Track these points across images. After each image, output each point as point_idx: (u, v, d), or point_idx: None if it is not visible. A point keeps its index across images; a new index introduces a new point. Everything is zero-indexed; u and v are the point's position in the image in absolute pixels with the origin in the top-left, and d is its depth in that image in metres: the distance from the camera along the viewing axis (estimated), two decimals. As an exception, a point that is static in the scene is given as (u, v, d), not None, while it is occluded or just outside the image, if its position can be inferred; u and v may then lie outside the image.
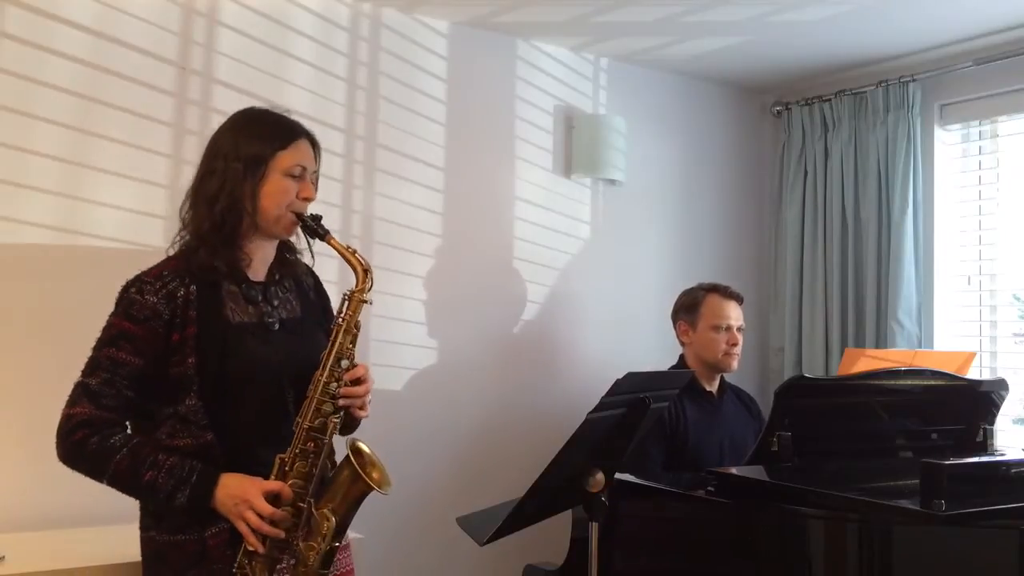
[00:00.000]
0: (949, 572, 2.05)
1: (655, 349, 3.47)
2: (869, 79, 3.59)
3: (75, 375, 2.36)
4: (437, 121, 3.24)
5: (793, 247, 3.81)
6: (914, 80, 3.45)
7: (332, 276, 2.55)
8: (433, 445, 3.15)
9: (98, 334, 1.77)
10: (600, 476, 1.97)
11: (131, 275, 1.77)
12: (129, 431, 1.76)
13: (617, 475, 2.23)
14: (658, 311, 3.37)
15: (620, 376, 1.93)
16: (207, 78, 2.79)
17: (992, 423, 2.66)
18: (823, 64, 3.65)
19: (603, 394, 1.91)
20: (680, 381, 2.49)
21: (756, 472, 2.47)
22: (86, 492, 2.51)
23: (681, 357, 3.13)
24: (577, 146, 3.49)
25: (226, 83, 2.82)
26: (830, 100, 3.71)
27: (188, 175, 2.71)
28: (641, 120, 3.67)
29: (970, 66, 3.33)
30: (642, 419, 2.00)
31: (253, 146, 1.78)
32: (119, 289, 1.78)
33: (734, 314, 3.05)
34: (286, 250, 1.92)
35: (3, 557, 2.10)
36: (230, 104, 2.80)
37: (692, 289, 3.14)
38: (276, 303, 1.85)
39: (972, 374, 2.90)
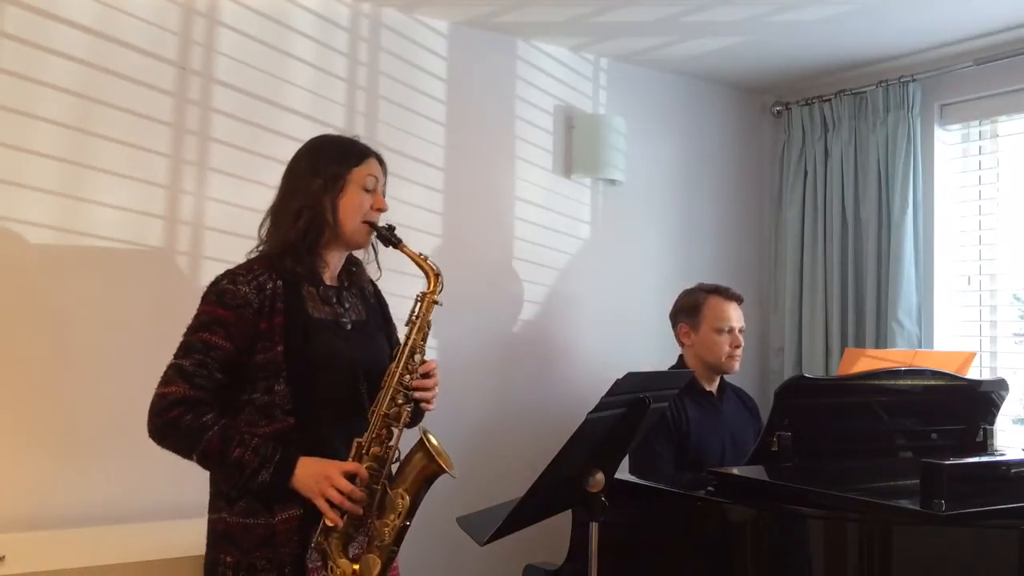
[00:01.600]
0: (949, 572, 2.05)
1: (655, 349, 3.47)
2: (869, 79, 3.59)
3: (74, 375, 2.36)
4: (437, 121, 3.24)
5: (793, 247, 3.81)
6: (914, 80, 3.45)
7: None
8: (433, 445, 3.14)
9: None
10: (600, 476, 1.97)
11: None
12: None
13: (617, 475, 2.23)
14: (658, 311, 3.36)
15: (620, 376, 1.93)
16: (207, 78, 2.79)
17: (992, 423, 2.66)
18: (823, 64, 3.65)
19: (603, 394, 1.91)
20: (680, 381, 2.49)
21: (756, 472, 2.47)
22: (85, 492, 2.53)
23: (680, 358, 3.12)
24: (577, 146, 3.49)
25: (226, 83, 2.82)
26: (830, 100, 3.71)
27: (188, 175, 2.76)
28: (641, 120, 3.67)
29: (970, 66, 3.33)
30: (642, 419, 2.00)
31: (331, 165, 1.95)
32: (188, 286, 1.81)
33: (736, 315, 3.04)
34: (351, 262, 2.08)
35: (3, 557, 2.10)
36: (230, 104, 2.82)
37: (692, 290, 3.12)
38: (347, 306, 2.00)
39: (972, 374, 2.90)
